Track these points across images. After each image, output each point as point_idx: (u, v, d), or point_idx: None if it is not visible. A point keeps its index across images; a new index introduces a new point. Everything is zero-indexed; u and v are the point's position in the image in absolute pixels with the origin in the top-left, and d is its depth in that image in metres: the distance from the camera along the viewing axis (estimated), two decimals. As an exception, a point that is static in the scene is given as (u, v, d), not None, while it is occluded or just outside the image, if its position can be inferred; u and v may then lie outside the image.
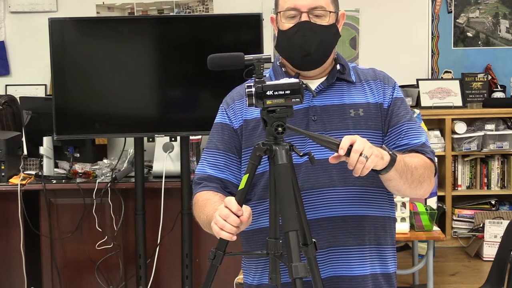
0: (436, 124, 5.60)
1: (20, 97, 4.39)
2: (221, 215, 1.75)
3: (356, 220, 1.96)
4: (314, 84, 2.02)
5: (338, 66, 2.04)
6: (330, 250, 1.96)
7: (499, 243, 3.55)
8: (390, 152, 1.82)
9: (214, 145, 2.06)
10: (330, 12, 1.97)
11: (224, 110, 2.08)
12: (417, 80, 5.69)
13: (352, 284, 1.97)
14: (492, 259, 3.50)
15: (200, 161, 2.09)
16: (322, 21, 1.96)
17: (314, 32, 1.94)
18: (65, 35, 3.71)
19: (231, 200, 1.76)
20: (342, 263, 1.96)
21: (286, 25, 1.97)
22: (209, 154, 2.06)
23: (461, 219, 5.53)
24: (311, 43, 1.94)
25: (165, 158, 3.90)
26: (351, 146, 1.74)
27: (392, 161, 1.81)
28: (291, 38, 1.96)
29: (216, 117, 2.10)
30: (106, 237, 3.89)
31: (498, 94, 5.69)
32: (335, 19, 2.00)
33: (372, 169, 1.76)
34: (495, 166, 5.58)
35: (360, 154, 1.73)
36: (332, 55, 2.04)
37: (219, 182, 2.02)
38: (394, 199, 2.09)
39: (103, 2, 5.77)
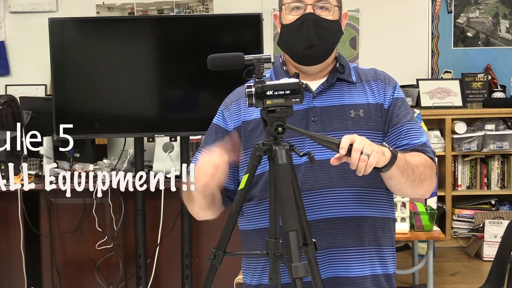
0: (436, 124, 5.60)
1: (20, 97, 4.39)
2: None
3: (356, 221, 1.96)
4: (314, 85, 2.01)
5: (337, 65, 2.03)
6: (329, 251, 1.95)
7: (499, 243, 3.55)
8: (391, 149, 1.82)
9: (208, 146, 2.05)
10: (335, 6, 1.97)
11: (221, 111, 2.08)
12: (417, 80, 5.69)
13: (352, 285, 1.96)
14: (492, 259, 3.50)
15: (192, 160, 2.09)
16: (327, 14, 1.96)
17: (318, 24, 1.94)
18: (65, 35, 3.71)
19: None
20: (342, 264, 1.96)
21: (290, 17, 1.97)
22: (202, 154, 2.05)
23: (461, 219, 5.53)
24: (315, 35, 1.94)
25: (165, 158, 3.90)
26: (351, 145, 1.73)
27: (393, 157, 1.80)
28: (295, 30, 1.96)
29: (214, 117, 2.10)
30: (106, 237, 3.88)
31: (498, 94, 5.69)
32: (338, 16, 2.00)
33: (374, 167, 1.75)
34: (495, 166, 5.58)
35: (361, 153, 1.72)
36: (334, 53, 2.03)
37: None
38: (394, 199, 2.09)
39: (103, 2, 5.77)
